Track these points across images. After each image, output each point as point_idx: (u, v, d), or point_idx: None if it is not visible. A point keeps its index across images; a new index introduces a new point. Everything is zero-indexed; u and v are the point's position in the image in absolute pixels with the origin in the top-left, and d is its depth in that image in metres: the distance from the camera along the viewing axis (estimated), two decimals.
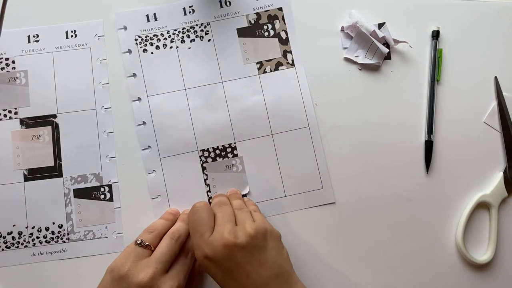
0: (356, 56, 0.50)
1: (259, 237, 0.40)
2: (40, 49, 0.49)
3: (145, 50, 0.49)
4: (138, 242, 0.42)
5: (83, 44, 0.50)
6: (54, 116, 0.48)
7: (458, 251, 0.47)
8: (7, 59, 0.49)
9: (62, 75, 0.49)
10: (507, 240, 0.47)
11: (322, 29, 0.50)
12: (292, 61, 0.50)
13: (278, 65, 0.50)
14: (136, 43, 0.50)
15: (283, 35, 0.50)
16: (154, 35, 0.50)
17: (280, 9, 0.50)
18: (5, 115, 0.48)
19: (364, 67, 0.50)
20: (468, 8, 0.50)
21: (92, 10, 0.50)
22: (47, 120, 0.48)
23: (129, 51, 0.49)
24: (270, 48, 0.50)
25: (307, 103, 0.49)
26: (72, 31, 0.50)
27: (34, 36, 0.50)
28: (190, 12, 0.50)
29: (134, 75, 0.49)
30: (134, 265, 0.40)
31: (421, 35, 0.50)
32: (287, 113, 0.49)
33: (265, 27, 0.50)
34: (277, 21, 0.50)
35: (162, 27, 0.50)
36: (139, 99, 0.49)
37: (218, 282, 0.40)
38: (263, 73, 0.49)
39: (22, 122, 0.48)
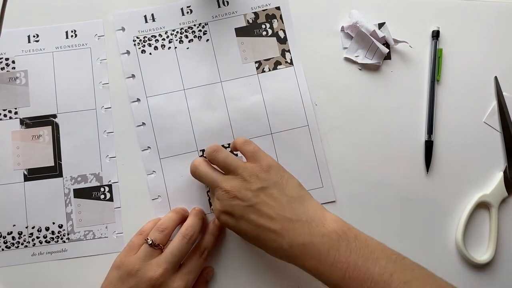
0: (356, 56, 0.50)
1: (232, 210, 0.40)
2: (40, 49, 0.49)
3: (143, 51, 0.49)
4: (149, 242, 0.42)
5: (83, 44, 0.50)
6: (54, 116, 0.48)
7: (458, 251, 0.47)
8: (7, 59, 0.49)
9: (62, 75, 0.49)
10: (507, 240, 0.47)
11: (322, 29, 0.50)
12: (291, 60, 0.50)
13: (276, 64, 0.50)
14: (134, 44, 0.50)
15: (281, 34, 0.50)
16: (152, 36, 0.50)
17: (278, 8, 0.50)
18: (5, 115, 0.48)
19: (364, 67, 0.50)
20: (468, 8, 0.50)
21: (92, 10, 0.50)
22: (47, 120, 0.48)
23: (128, 52, 0.49)
24: (268, 47, 0.50)
25: (306, 101, 0.49)
26: (72, 31, 0.50)
27: (34, 36, 0.50)
28: (188, 12, 0.50)
29: (133, 76, 0.49)
30: (144, 265, 0.40)
31: (421, 35, 0.50)
32: (286, 112, 0.49)
33: (263, 26, 0.50)
34: (275, 20, 0.50)
35: (160, 28, 0.50)
36: (138, 100, 0.49)
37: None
38: (261, 72, 0.49)
39: (22, 122, 0.48)
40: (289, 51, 0.50)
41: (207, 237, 0.45)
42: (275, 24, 0.50)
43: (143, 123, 0.48)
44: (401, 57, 0.50)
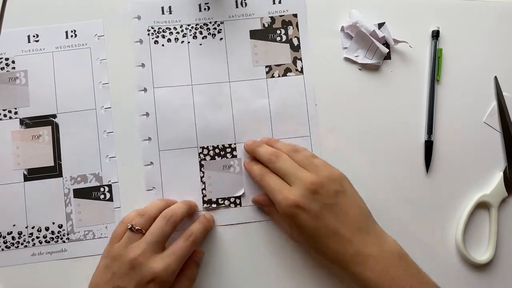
0: (356, 56, 0.50)
1: (309, 204, 0.40)
2: (40, 49, 0.49)
3: (156, 42, 0.49)
4: (128, 227, 0.42)
5: (83, 44, 0.50)
6: (54, 116, 0.48)
7: (458, 251, 0.47)
8: (7, 59, 0.49)
9: (62, 75, 0.49)
10: (507, 240, 0.47)
11: (322, 29, 0.50)
12: (301, 68, 0.49)
13: (287, 71, 0.49)
14: (148, 34, 0.49)
15: (295, 41, 0.50)
16: (167, 28, 0.50)
17: (295, 15, 0.50)
18: (5, 115, 0.48)
19: (364, 67, 0.50)
20: (468, 8, 0.50)
21: (92, 10, 0.50)
22: (47, 120, 0.48)
23: (140, 41, 0.49)
24: (280, 53, 0.50)
25: (311, 112, 0.49)
26: (72, 31, 0.50)
27: (34, 36, 0.50)
28: (205, 9, 0.50)
29: (143, 65, 0.49)
30: (126, 249, 0.41)
31: (421, 35, 0.50)
32: (291, 120, 0.49)
33: (278, 31, 0.50)
34: (291, 27, 0.50)
35: (176, 21, 0.50)
36: (145, 89, 0.49)
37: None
38: (271, 77, 0.49)
39: (22, 122, 0.48)
40: (300, 59, 0.50)
41: (195, 223, 0.45)
42: (290, 31, 0.50)
43: (147, 113, 0.48)
44: (401, 57, 0.50)
